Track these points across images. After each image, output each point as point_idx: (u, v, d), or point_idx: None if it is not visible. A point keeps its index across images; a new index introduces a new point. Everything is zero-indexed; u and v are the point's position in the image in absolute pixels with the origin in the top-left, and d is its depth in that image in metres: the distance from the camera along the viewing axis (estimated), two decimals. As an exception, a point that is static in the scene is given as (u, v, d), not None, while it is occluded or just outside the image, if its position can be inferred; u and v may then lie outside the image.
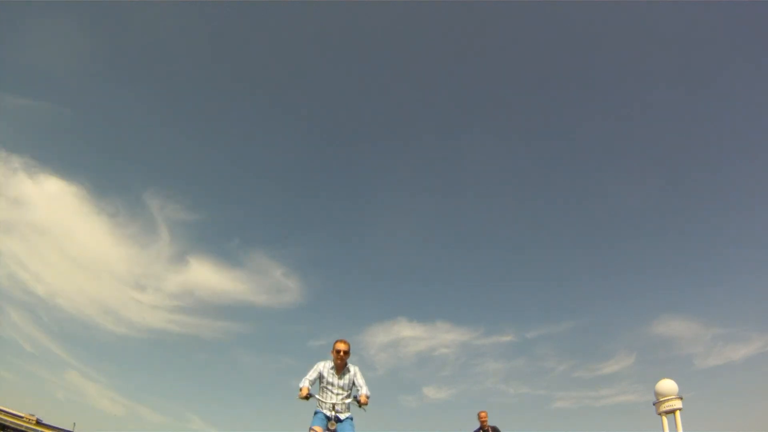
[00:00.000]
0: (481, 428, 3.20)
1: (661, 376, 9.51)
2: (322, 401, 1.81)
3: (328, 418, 1.77)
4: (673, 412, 9.08)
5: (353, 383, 1.86)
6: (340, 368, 1.86)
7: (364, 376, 1.87)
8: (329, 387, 1.84)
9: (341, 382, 1.85)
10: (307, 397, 1.76)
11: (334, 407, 1.79)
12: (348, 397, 1.84)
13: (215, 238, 20.65)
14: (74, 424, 11.69)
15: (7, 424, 9.80)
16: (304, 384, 1.80)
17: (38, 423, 10.65)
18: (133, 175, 20.52)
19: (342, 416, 1.81)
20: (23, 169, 16.30)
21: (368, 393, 1.79)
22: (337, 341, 1.89)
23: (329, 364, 1.87)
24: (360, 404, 1.76)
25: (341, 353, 1.84)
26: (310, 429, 1.71)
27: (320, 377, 1.86)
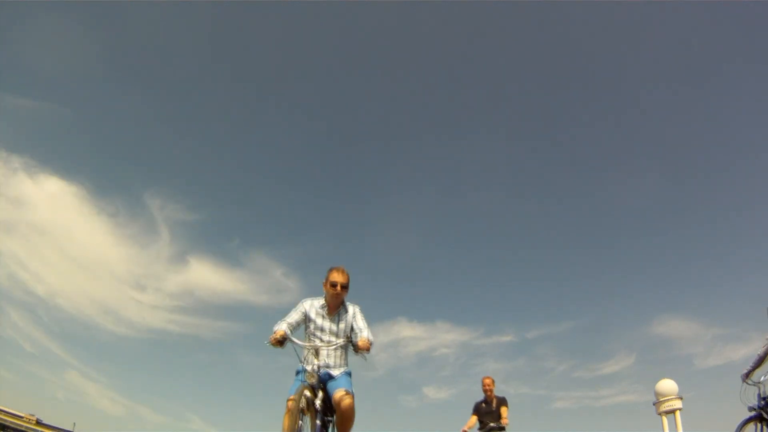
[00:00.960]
0: (485, 401, 2.38)
1: (661, 376, 9.51)
2: (306, 349, 1.23)
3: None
4: (673, 412, 9.08)
5: (351, 328, 1.29)
6: (335, 308, 1.31)
7: (366, 318, 1.32)
8: (318, 333, 1.28)
9: (335, 327, 1.29)
10: (282, 341, 1.18)
11: (318, 352, 1.22)
12: (344, 346, 1.30)
13: (215, 238, 20.61)
14: (74, 424, 11.69)
15: (7, 424, 9.80)
16: (281, 327, 1.23)
17: (38, 423, 10.66)
18: (133, 175, 20.50)
19: (335, 372, 1.26)
20: (23, 169, 16.27)
21: (371, 337, 1.24)
22: (331, 269, 1.31)
23: (319, 302, 1.32)
24: (357, 350, 1.21)
25: (338, 287, 1.28)
26: (288, 401, 1.13)
27: (306, 320, 1.30)
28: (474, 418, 2.39)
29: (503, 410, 2.33)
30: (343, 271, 1.31)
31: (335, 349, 1.28)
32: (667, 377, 9.41)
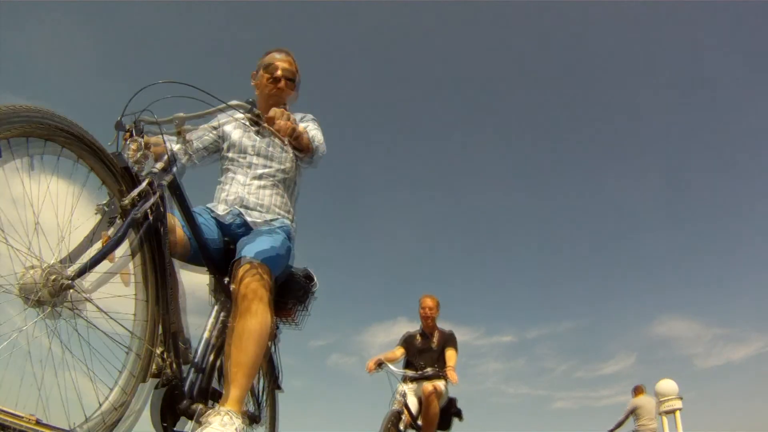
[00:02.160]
0: (422, 332, 1.51)
1: (661, 376, 9.52)
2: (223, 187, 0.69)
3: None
4: (673, 412, 9.08)
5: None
6: (271, 105, 0.65)
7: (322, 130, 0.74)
8: (239, 159, 0.69)
9: (266, 147, 0.69)
10: (134, 146, 0.47)
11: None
12: (287, 172, 0.70)
13: (215, 238, 20.69)
14: (74, 424, 11.69)
15: (7, 424, 9.81)
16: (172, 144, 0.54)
17: (38, 423, 10.66)
18: (133, 175, 20.60)
19: (257, 218, 0.65)
20: (23, 169, 16.36)
21: (318, 143, 0.70)
22: (269, 51, 0.73)
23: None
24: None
25: (278, 72, 0.70)
26: None
27: (221, 141, 0.71)
28: (399, 352, 1.49)
29: (450, 355, 1.41)
30: (287, 53, 0.73)
31: (262, 173, 0.68)
32: (667, 377, 9.45)
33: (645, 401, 2.65)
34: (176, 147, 0.54)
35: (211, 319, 0.61)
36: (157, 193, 0.47)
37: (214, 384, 0.58)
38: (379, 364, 1.37)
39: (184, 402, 0.51)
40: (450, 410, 1.43)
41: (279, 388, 0.75)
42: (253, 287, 0.54)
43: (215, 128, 0.71)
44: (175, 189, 0.53)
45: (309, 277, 0.70)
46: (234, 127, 0.71)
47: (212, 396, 0.56)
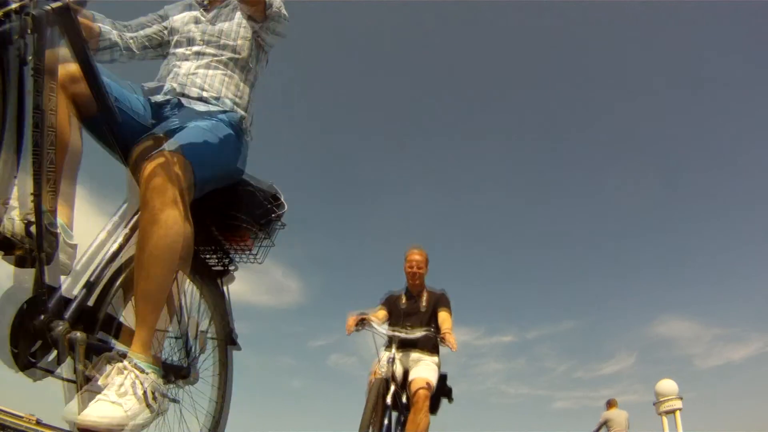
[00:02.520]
0: (407, 292, 1.26)
1: (661, 376, 9.51)
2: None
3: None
4: (673, 412, 9.06)
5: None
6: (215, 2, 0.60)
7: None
8: (184, 48, 0.58)
9: (214, 28, 0.58)
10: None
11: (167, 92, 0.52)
12: (242, 60, 0.58)
13: (215, 238, 20.63)
14: (74, 423, 11.64)
15: (7, 424, 9.77)
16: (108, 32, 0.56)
17: (38, 423, 10.64)
18: (133, 175, 20.55)
19: (198, 107, 0.51)
20: (23, 169, 16.33)
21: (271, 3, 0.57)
22: None
23: (192, 13, 0.61)
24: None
25: None
26: None
27: (167, 31, 0.61)
28: (382, 313, 1.23)
29: (444, 317, 1.15)
30: None
31: (209, 62, 0.56)
32: (667, 377, 9.44)
33: (616, 414, 2.91)
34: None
35: (115, 217, 0.44)
36: (29, 17, 0.32)
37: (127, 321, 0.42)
38: (362, 322, 1.09)
39: (42, 318, 0.36)
40: (442, 388, 1.19)
41: (233, 343, 0.60)
42: (160, 186, 0.39)
43: (162, 17, 0.62)
44: (69, 28, 0.37)
45: (274, 197, 0.56)
46: (184, 21, 0.60)
47: (116, 333, 0.42)
